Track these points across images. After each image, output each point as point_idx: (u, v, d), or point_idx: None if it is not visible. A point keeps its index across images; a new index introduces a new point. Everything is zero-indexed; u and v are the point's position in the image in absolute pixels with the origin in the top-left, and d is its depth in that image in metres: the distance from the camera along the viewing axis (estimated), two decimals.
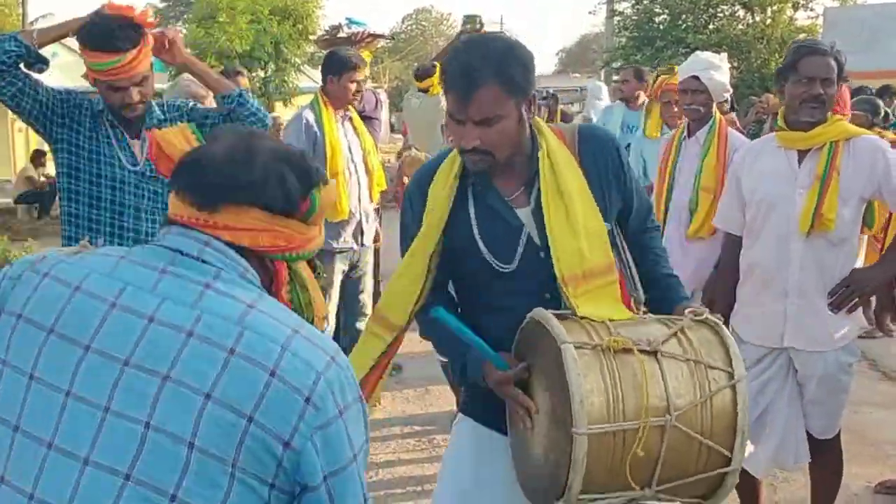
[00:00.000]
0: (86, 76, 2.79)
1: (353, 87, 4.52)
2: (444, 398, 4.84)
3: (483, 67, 1.82)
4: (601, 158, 2.03)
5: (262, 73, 16.03)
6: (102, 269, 1.22)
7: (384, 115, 5.81)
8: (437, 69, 5.99)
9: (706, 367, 1.77)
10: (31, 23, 21.75)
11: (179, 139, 1.19)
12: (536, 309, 1.85)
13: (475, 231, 1.97)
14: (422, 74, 6.17)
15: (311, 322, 1.34)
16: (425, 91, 6.14)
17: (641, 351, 1.74)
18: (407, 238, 2.06)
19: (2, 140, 17.78)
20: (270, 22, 15.66)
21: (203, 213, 1.24)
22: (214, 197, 1.24)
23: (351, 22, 6.22)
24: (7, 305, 1.23)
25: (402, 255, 2.06)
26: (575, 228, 1.91)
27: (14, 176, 15.51)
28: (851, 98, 5.47)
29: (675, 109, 4.67)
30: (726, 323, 2.97)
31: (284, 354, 1.17)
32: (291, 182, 1.26)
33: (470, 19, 6.79)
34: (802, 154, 2.85)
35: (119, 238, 2.80)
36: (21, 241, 9.54)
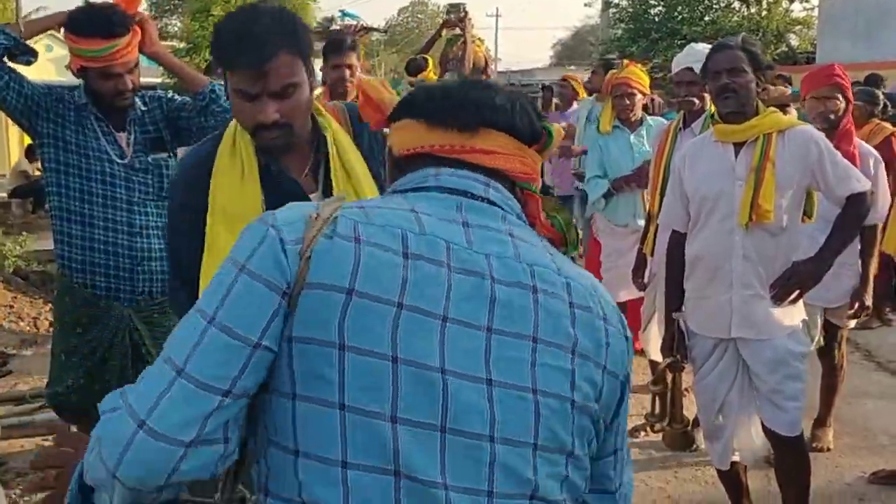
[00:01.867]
0: (69, 67, 2.77)
1: (337, 73, 4.02)
2: None
3: (277, 33, 1.71)
4: (373, 137, 2.00)
5: None
6: (411, 227, 1.08)
7: None
8: (430, 63, 5.94)
9: None
10: (26, 16, 21.63)
11: (380, 87, 1.16)
12: None
13: None
14: (414, 70, 6.11)
15: (576, 244, 1.29)
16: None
17: None
18: (191, 244, 1.85)
19: None
20: None
21: (463, 137, 1.17)
22: (474, 118, 1.17)
23: (344, 14, 6.20)
24: (315, 277, 1.03)
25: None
26: None
27: (8, 170, 15.46)
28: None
29: (627, 103, 4.72)
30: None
31: (599, 298, 1.16)
32: (532, 111, 1.22)
33: (454, 7, 6.67)
34: (739, 147, 2.92)
35: (113, 232, 2.78)
36: (15, 236, 9.49)
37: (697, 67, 3.89)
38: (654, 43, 20.70)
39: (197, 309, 1.05)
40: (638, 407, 4.59)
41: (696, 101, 3.96)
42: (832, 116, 3.84)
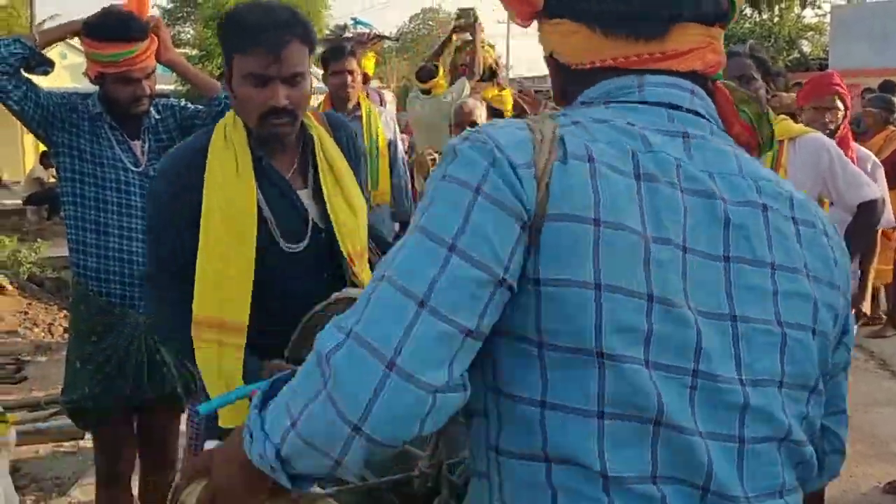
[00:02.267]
0: (86, 74, 2.79)
1: (338, 79, 4.09)
2: None
3: (292, 23, 1.82)
4: (350, 143, 2.11)
5: None
6: (636, 144, 0.96)
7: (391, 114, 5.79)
8: (441, 70, 5.95)
9: None
10: (39, 24, 21.84)
11: None
12: (346, 290, 1.71)
13: (265, 211, 1.89)
14: (426, 76, 6.13)
15: (771, 143, 1.13)
16: (426, 92, 6.10)
17: None
18: (177, 234, 1.89)
19: (11, 142, 17.86)
20: None
21: (652, 45, 1.01)
22: (662, 21, 1.01)
23: (357, 22, 6.23)
24: (556, 207, 0.90)
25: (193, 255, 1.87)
26: (352, 208, 1.98)
27: (23, 177, 15.59)
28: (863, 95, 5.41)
29: None
30: None
31: (817, 211, 1.06)
32: None
33: (464, 12, 6.68)
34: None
35: (128, 240, 2.80)
36: (30, 242, 9.57)
37: None
38: None
39: (424, 232, 0.90)
40: None
41: None
42: (833, 126, 3.83)
